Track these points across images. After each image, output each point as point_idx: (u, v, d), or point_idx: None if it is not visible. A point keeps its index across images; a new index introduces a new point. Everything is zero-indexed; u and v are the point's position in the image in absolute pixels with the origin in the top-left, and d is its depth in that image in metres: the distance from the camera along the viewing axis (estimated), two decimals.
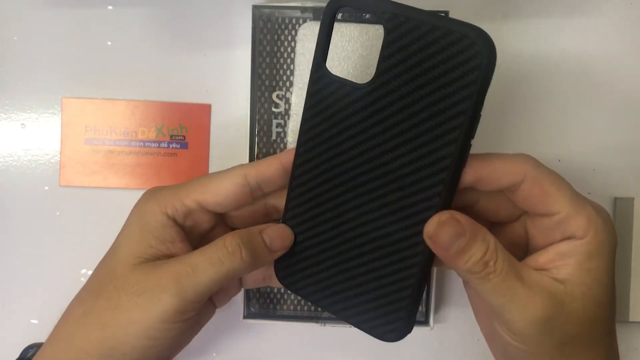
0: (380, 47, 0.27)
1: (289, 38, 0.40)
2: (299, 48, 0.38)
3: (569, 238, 0.28)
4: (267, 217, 0.34)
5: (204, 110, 0.42)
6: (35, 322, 0.42)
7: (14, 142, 0.42)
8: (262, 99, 0.40)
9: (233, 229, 0.33)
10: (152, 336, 0.29)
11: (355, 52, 0.38)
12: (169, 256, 0.31)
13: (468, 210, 0.31)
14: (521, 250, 0.31)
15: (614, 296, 0.30)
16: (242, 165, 0.31)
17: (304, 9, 0.39)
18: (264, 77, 0.40)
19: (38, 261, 0.42)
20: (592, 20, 0.41)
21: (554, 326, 0.28)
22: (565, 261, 0.28)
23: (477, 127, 0.26)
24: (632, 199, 0.40)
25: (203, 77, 0.42)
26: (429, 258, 0.28)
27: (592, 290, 0.28)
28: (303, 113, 0.30)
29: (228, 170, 0.32)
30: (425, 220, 0.28)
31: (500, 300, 0.27)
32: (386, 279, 0.29)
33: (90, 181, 0.42)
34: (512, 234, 0.31)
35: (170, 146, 0.42)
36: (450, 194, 0.27)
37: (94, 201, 0.42)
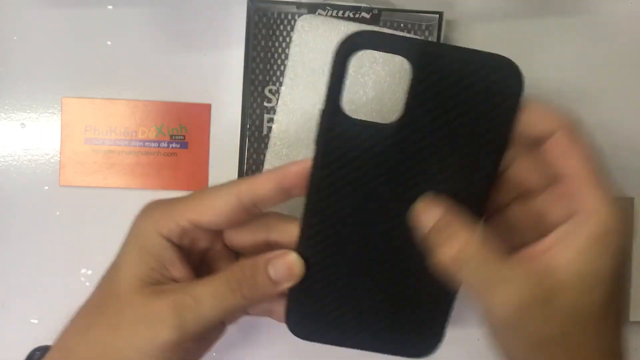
0: (397, 80, 0.27)
1: (284, 33, 0.40)
2: (295, 39, 0.38)
3: (573, 215, 0.26)
4: (269, 247, 0.33)
5: (204, 110, 0.42)
6: (35, 321, 0.42)
7: (14, 142, 0.42)
8: (255, 94, 0.40)
9: (235, 252, 0.33)
10: None
11: (327, 47, 0.37)
12: (170, 279, 0.31)
13: (499, 175, 0.29)
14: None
15: (617, 297, 0.27)
16: (236, 182, 0.31)
17: (299, 5, 0.39)
18: (257, 71, 0.40)
19: (38, 261, 0.42)
20: (592, 20, 0.41)
21: (535, 323, 0.25)
22: (564, 244, 0.26)
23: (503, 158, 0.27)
24: (632, 199, 0.40)
25: (203, 77, 0.42)
26: (454, 297, 0.29)
27: (587, 284, 0.25)
28: (318, 156, 0.28)
29: (222, 186, 0.31)
30: None
31: (474, 291, 0.26)
32: (417, 303, 0.30)
33: (90, 181, 0.42)
34: (538, 207, 0.29)
35: (170, 146, 0.42)
36: (485, 205, 0.28)
37: (93, 201, 0.42)
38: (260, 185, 0.30)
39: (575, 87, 0.41)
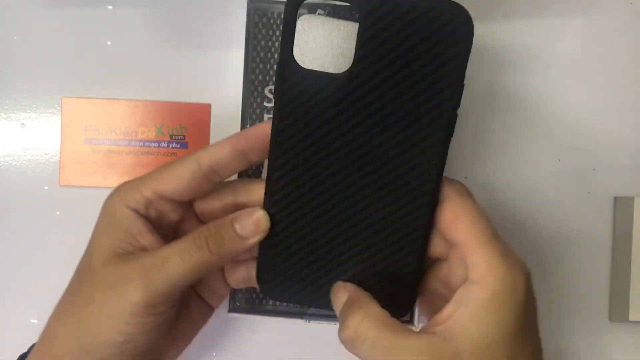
0: (355, 37, 0.27)
1: (281, 33, 0.40)
2: (295, 39, 0.38)
3: (465, 281, 0.26)
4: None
5: (204, 110, 0.42)
6: (35, 321, 0.42)
7: (14, 142, 0.42)
8: (255, 94, 0.40)
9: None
10: (124, 331, 0.29)
11: (328, 46, 0.37)
12: (141, 249, 0.31)
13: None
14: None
15: (526, 353, 0.26)
16: (196, 151, 0.31)
17: None
18: (257, 71, 0.40)
19: (38, 261, 0.42)
20: (592, 20, 0.41)
21: None
22: (461, 311, 0.26)
23: (461, 98, 0.27)
24: (632, 199, 0.40)
25: (203, 77, 0.42)
26: (428, 231, 0.29)
27: (482, 347, 0.25)
28: (275, 111, 0.29)
29: (184, 156, 0.31)
30: (423, 195, 0.28)
31: None
32: (386, 261, 0.30)
33: (90, 181, 0.42)
34: (444, 274, 0.30)
35: (170, 146, 0.42)
36: (443, 164, 0.28)
37: (94, 201, 0.42)
38: (217, 150, 0.30)
39: (575, 87, 0.41)
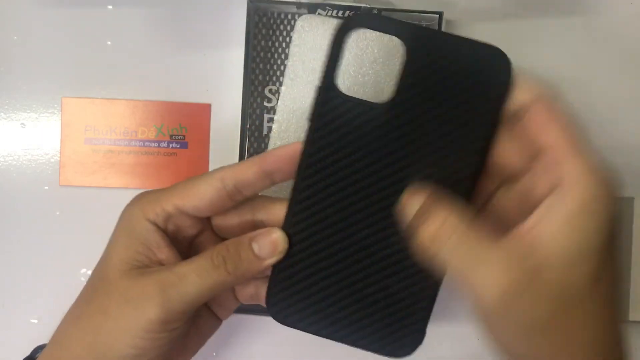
0: (391, 63, 0.27)
1: (284, 33, 0.40)
2: (295, 39, 0.38)
3: (554, 188, 0.24)
4: (256, 229, 0.33)
5: (204, 110, 0.42)
6: (35, 321, 0.42)
7: (14, 142, 0.42)
8: (255, 94, 0.40)
9: (224, 238, 0.33)
10: (138, 345, 0.29)
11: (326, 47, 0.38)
12: (158, 262, 0.31)
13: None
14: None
15: (607, 273, 0.25)
16: (221, 168, 0.31)
17: (299, 5, 0.39)
18: (257, 71, 0.40)
19: (38, 261, 0.42)
20: (592, 20, 0.41)
21: (523, 305, 0.24)
22: (547, 219, 0.24)
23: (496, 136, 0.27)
24: (632, 199, 0.40)
25: (203, 77, 0.42)
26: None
27: (571, 260, 0.24)
28: (309, 133, 0.29)
29: (208, 173, 0.31)
30: None
31: (459, 278, 0.25)
32: (399, 296, 0.29)
33: (90, 181, 0.42)
34: (524, 187, 0.27)
35: (170, 146, 0.42)
36: (473, 193, 0.28)
37: (93, 201, 0.42)
38: (243, 169, 0.30)
39: (575, 87, 0.41)
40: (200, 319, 0.34)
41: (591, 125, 0.41)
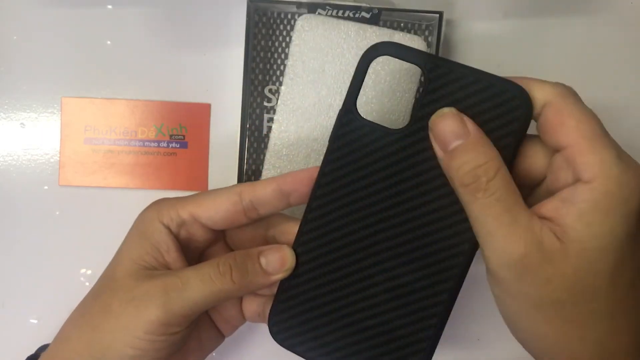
0: (408, 90, 0.27)
1: (284, 33, 0.40)
2: (295, 39, 0.38)
3: (576, 181, 0.24)
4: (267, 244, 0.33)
5: (204, 110, 0.42)
6: (35, 321, 0.42)
7: (14, 142, 0.42)
8: (255, 94, 0.40)
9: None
10: (137, 346, 0.29)
11: (326, 47, 0.38)
12: (165, 266, 0.31)
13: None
14: None
15: (627, 269, 0.24)
16: (240, 184, 0.31)
17: (299, 4, 0.39)
18: (257, 71, 0.40)
19: (38, 261, 0.42)
20: (592, 20, 0.41)
21: (534, 280, 0.24)
22: (566, 209, 0.24)
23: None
24: None
25: (203, 77, 0.42)
26: (448, 307, 0.28)
27: (588, 251, 0.23)
28: (326, 154, 0.29)
29: (227, 187, 0.31)
30: (452, 267, 0.28)
31: (482, 229, 0.25)
32: (402, 332, 0.29)
33: (90, 181, 0.42)
34: (546, 188, 0.27)
35: (170, 146, 0.42)
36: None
37: (93, 201, 0.42)
38: (262, 187, 0.30)
39: (574, 87, 0.41)
40: (203, 332, 0.34)
41: None
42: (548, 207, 0.25)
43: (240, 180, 0.39)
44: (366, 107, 0.37)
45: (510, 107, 0.26)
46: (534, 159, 0.27)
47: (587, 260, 0.24)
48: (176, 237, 0.31)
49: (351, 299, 0.29)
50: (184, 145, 0.42)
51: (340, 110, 0.28)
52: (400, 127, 0.28)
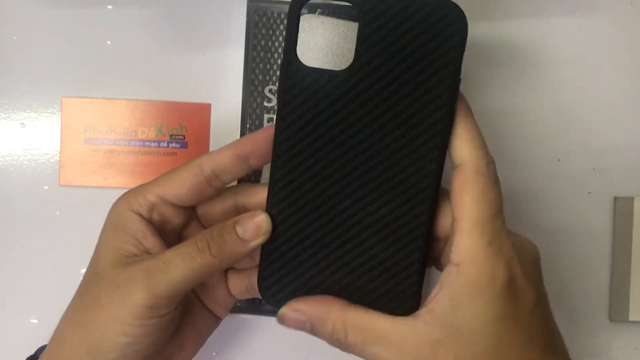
0: (355, 36, 0.28)
1: (284, 33, 0.40)
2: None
3: (449, 263, 0.26)
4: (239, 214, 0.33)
5: (204, 110, 0.42)
6: (35, 321, 0.42)
7: (14, 142, 0.42)
8: (255, 94, 0.40)
9: None
10: (128, 333, 0.29)
11: (328, 46, 0.38)
12: (145, 252, 0.31)
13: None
14: None
15: (509, 349, 0.25)
16: (200, 157, 0.31)
17: None
18: (257, 71, 0.40)
19: (38, 261, 0.42)
20: (592, 20, 0.41)
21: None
22: (441, 294, 0.25)
23: (458, 91, 0.28)
24: (632, 199, 0.40)
25: (203, 77, 0.42)
26: (429, 227, 0.29)
27: (464, 335, 0.24)
28: (279, 110, 0.29)
29: (188, 162, 0.32)
30: (424, 189, 0.28)
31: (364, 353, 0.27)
32: (389, 261, 0.29)
33: (90, 181, 0.42)
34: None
35: (170, 146, 0.42)
36: (444, 155, 0.28)
37: (93, 201, 0.42)
38: (219, 155, 0.31)
39: (575, 87, 0.41)
40: (197, 317, 0.34)
41: (591, 125, 0.41)
42: (432, 293, 0.26)
43: (240, 182, 0.39)
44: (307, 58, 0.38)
45: (447, 23, 0.27)
46: (446, 213, 0.28)
47: (464, 344, 0.24)
48: (150, 222, 0.31)
49: (336, 244, 0.30)
50: (184, 145, 0.42)
51: (282, 64, 0.28)
52: (345, 67, 0.28)
